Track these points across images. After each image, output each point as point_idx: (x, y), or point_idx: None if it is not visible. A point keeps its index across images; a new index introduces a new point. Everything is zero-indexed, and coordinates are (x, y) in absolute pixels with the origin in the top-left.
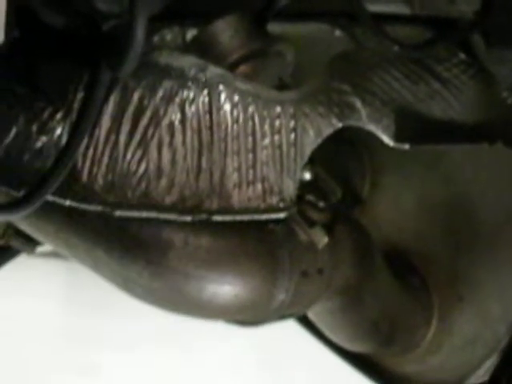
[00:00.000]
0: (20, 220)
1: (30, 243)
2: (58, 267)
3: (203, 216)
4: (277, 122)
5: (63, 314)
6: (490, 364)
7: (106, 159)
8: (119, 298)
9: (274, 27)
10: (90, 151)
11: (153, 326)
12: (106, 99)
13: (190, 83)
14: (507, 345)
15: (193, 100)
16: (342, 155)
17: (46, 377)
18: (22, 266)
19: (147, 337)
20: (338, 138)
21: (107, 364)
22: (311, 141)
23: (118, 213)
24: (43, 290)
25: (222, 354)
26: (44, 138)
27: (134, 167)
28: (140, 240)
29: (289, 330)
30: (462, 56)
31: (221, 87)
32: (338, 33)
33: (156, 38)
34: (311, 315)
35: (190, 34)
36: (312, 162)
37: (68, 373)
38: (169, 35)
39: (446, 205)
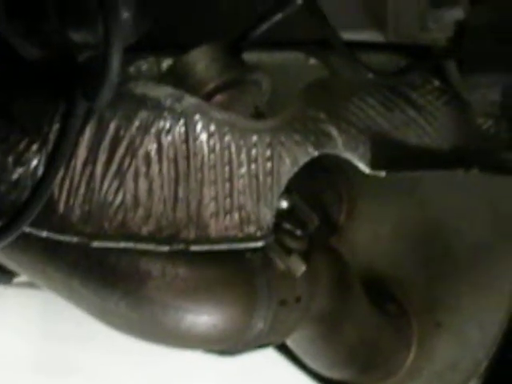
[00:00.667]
0: None
1: (7, 274)
2: (35, 298)
3: (180, 246)
4: (253, 151)
5: (39, 344)
6: None
7: (82, 190)
8: (97, 329)
9: (249, 56)
10: (67, 182)
11: (131, 357)
12: (81, 130)
13: (165, 113)
14: (486, 369)
15: (169, 130)
16: (318, 183)
17: None
18: None
19: (125, 369)
20: (314, 166)
21: None
22: (288, 169)
23: (95, 244)
24: (19, 321)
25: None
26: (20, 170)
27: (110, 198)
28: (117, 270)
29: (268, 359)
30: (437, 83)
31: (197, 117)
32: (312, 61)
33: (131, 69)
34: (290, 343)
35: (166, 63)
36: (289, 191)
37: None
38: (144, 65)
39: (422, 231)
